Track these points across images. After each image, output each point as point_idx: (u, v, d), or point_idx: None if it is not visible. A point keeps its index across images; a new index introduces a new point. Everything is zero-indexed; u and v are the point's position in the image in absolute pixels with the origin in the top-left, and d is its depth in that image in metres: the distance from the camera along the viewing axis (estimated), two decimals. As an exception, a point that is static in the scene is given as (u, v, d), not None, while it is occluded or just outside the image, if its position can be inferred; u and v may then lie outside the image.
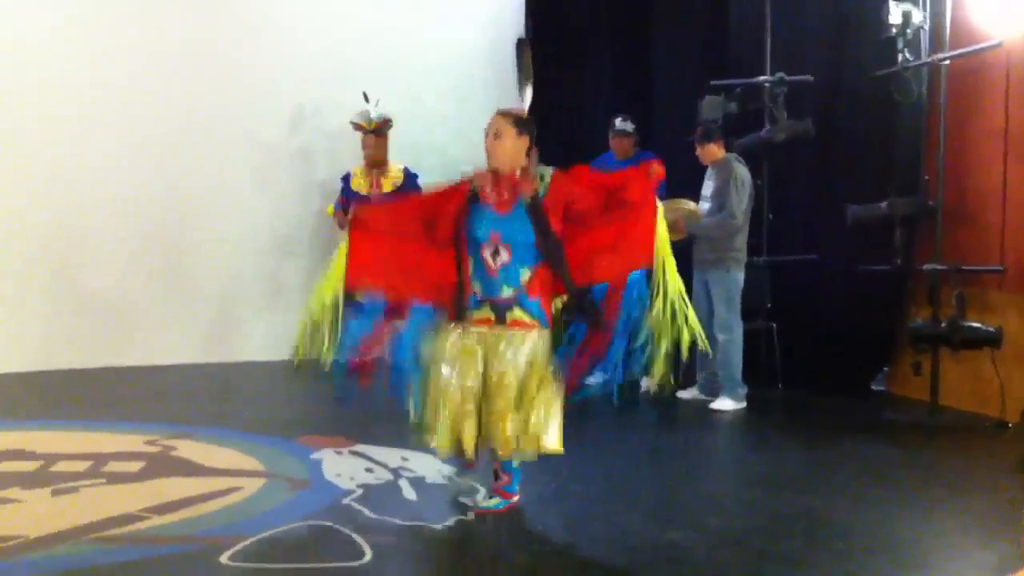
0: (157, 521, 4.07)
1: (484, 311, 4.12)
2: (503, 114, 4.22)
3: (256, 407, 7.14)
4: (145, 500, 4.35)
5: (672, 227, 6.97)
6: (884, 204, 6.94)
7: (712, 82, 7.86)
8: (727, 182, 6.93)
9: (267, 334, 9.08)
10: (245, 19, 9.15)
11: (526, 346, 4.08)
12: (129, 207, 8.66)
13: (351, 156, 8.56)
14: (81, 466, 4.99)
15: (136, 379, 8.10)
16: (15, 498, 4.41)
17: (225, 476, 4.85)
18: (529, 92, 4.38)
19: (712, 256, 6.97)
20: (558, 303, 4.29)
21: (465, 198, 4.18)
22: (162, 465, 5.08)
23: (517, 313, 4.10)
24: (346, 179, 8.35)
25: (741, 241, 7.01)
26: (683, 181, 7.47)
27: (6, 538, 3.77)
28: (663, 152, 7.84)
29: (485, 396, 4.08)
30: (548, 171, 4.21)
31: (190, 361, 8.72)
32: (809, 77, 7.62)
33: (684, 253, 7.16)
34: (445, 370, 4.10)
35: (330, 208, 8.44)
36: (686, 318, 4.23)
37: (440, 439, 4.10)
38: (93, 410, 6.79)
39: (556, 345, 4.22)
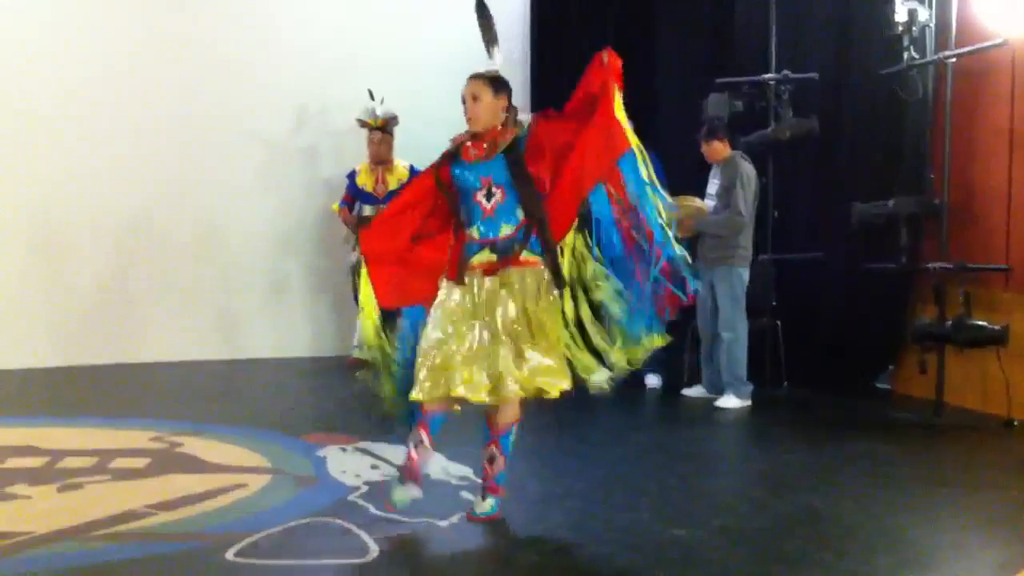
0: (163, 517, 4.09)
1: (484, 255, 4.07)
2: (477, 76, 4.18)
3: (261, 404, 7.16)
4: (151, 496, 4.37)
5: (678, 224, 7.02)
6: (890, 202, 6.93)
7: (717, 80, 7.85)
8: (733, 180, 6.92)
9: (272, 331, 9.13)
10: (250, 18, 9.17)
11: (530, 285, 4.05)
12: (134, 204, 8.71)
13: (356, 154, 8.58)
14: (87, 462, 5.01)
15: (142, 376, 8.13)
16: (22, 494, 4.43)
17: (231, 473, 4.86)
18: (498, 54, 4.31)
19: (717, 254, 6.97)
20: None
21: (447, 162, 4.17)
22: (168, 462, 5.10)
23: (521, 252, 4.06)
24: (351, 176, 8.37)
25: (746, 239, 7.01)
26: (688, 179, 7.47)
27: (13, 534, 3.79)
28: (667, 150, 7.86)
29: (493, 341, 3.98)
30: (527, 119, 4.24)
31: (195, 358, 8.75)
32: (814, 75, 7.61)
33: (689, 251, 7.18)
34: (437, 331, 4.02)
35: (335, 205, 8.46)
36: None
37: (428, 389, 3.95)
38: (99, 407, 6.81)
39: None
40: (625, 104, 4.22)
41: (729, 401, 6.90)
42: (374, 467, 4.95)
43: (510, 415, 4.13)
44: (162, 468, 4.96)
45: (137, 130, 8.64)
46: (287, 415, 6.59)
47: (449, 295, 4.08)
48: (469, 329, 4.00)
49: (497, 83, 4.18)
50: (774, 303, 7.61)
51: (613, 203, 4.19)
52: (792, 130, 7.48)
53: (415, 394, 3.97)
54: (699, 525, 4.16)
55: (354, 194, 8.34)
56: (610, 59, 4.17)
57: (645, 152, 4.22)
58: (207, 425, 5.99)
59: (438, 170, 4.21)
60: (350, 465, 4.99)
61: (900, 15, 6.86)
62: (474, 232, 4.10)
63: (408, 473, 4.01)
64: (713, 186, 7.13)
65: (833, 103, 7.71)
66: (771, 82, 7.72)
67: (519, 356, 3.99)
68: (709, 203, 7.08)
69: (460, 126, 4.25)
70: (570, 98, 4.31)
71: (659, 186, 4.19)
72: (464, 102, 4.14)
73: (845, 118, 7.71)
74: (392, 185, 8.13)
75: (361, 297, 4.35)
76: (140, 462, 5.05)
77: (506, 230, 4.08)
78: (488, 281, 4.04)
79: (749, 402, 6.93)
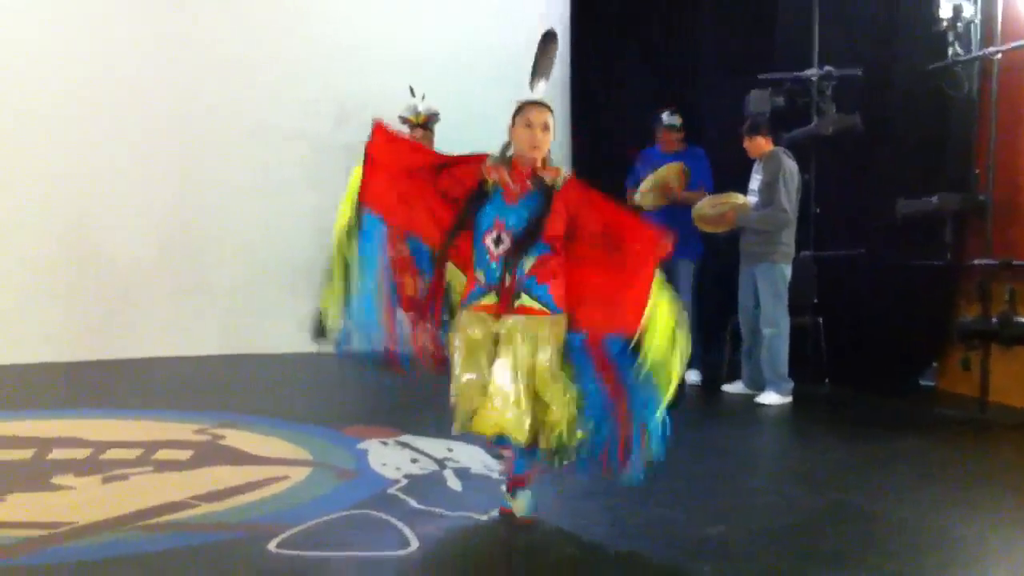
0: (206, 509, 4.12)
1: (490, 298, 3.94)
2: (545, 106, 4.05)
3: (302, 397, 7.22)
4: (194, 488, 4.40)
5: (721, 219, 7.03)
6: (934, 199, 6.87)
7: (759, 76, 7.81)
8: (775, 176, 6.89)
9: (300, 324, 9.15)
10: (295, 11, 9.21)
11: (542, 332, 3.91)
12: (166, 199, 8.82)
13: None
14: (131, 454, 5.06)
15: (185, 369, 8.22)
16: (67, 485, 4.48)
17: (273, 465, 4.90)
18: (543, 87, 4.15)
19: (759, 249, 6.94)
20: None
21: (476, 186, 4.03)
22: (211, 454, 5.15)
23: (525, 300, 3.92)
24: None
25: (788, 235, 6.97)
26: (730, 175, 7.45)
27: (58, 524, 3.83)
28: (709, 146, 7.85)
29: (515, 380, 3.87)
30: (564, 170, 4.11)
31: (237, 352, 8.82)
32: (858, 70, 7.56)
33: (731, 246, 7.17)
34: (466, 370, 3.93)
35: None
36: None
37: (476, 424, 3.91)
38: (143, 399, 6.88)
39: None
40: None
41: (770, 398, 6.87)
42: (414, 460, 4.96)
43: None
44: (205, 460, 5.00)
45: (167, 126, 8.75)
46: (327, 408, 6.63)
47: (470, 329, 3.95)
48: (491, 366, 3.90)
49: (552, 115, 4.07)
50: (816, 300, 7.57)
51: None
52: (835, 126, 7.43)
53: (466, 426, 3.92)
54: (739, 522, 4.15)
55: None
56: (666, 247, 3.95)
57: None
58: (249, 417, 6.04)
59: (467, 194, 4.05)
60: (391, 458, 5.01)
61: (945, 10, 6.81)
62: (479, 275, 3.97)
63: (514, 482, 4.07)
64: (755, 182, 7.10)
65: (877, 99, 7.65)
66: (814, 78, 7.67)
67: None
68: (751, 199, 7.05)
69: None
70: (605, 206, 4.08)
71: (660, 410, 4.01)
72: (529, 127, 4.00)
73: (889, 114, 7.64)
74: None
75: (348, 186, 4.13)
76: (184, 454, 5.10)
77: (509, 280, 3.92)
78: (499, 322, 3.93)
79: (790, 399, 6.89)
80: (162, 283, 8.78)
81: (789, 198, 6.90)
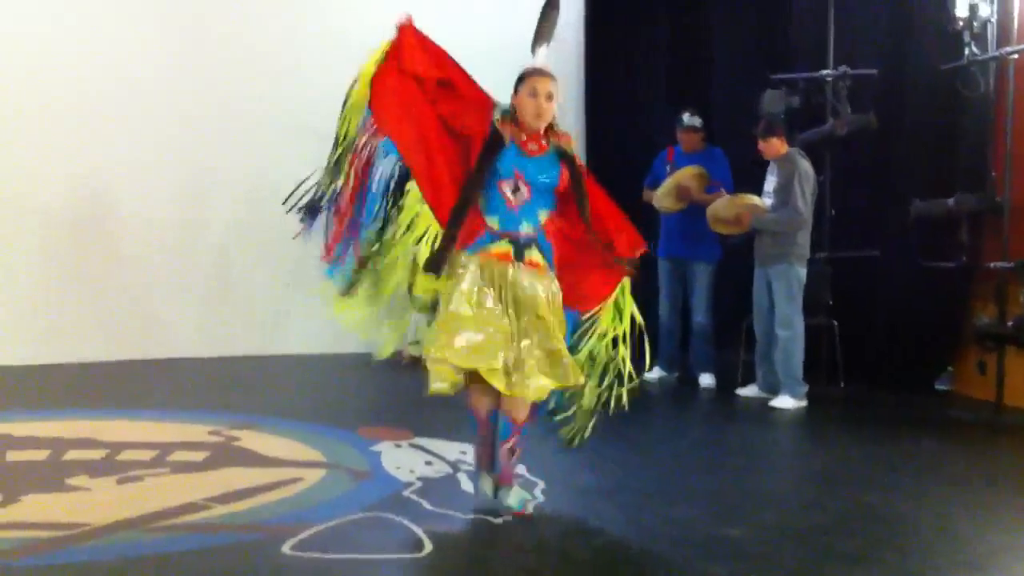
0: (220, 510, 4.12)
1: (502, 245, 4.01)
2: (548, 76, 4.12)
3: (316, 399, 7.22)
4: (209, 489, 4.41)
5: (735, 221, 7.01)
6: (950, 200, 6.85)
7: (773, 76, 7.79)
8: (790, 177, 6.86)
9: (326, 326, 9.17)
10: (321, 16, 9.27)
11: (549, 285, 4.04)
12: (185, 200, 8.81)
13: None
14: (146, 455, 5.07)
15: (199, 370, 8.23)
16: (82, 486, 4.49)
17: (287, 466, 4.90)
18: (543, 51, 4.29)
19: (774, 251, 6.91)
20: None
21: (490, 135, 4.07)
22: (225, 455, 5.15)
23: (534, 253, 4.02)
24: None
25: (804, 237, 6.94)
26: (744, 176, 7.44)
27: (73, 525, 3.84)
28: (723, 146, 7.83)
29: (520, 330, 3.98)
30: (573, 139, 4.25)
31: (252, 353, 8.84)
32: (873, 71, 7.52)
33: (745, 248, 7.15)
34: (464, 302, 3.95)
35: None
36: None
37: (444, 372, 3.95)
38: (157, 401, 6.90)
39: None
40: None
41: (784, 401, 6.84)
42: (428, 463, 4.97)
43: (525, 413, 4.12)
44: (220, 461, 5.01)
45: (184, 124, 8.70)
46: (341, 410, 6.63)
47: (469, 272, 3.99)
48: (495, 313, 3.95)
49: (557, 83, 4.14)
50: (831, 302, 7.54)
51: None
52: (850, 127, 7.39)
53: (447, 356, 3.90)
54: (754, 523, 4.14)
55: None
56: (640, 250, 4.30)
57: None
58: (263, 419, 6.05)
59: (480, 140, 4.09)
60: (404, 460, 5.01)
61: (961, 10, 6.78)
62: (492, 222, 4.02)
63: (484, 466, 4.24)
64: (770, 183, 7.07)
65: (892, 99, 7.62)
66: (828, 78, 7.64)
67: (546, 353, 3.99)
68: (766, 200, 7.02)
69: None
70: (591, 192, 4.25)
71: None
72: (534, 96, 4.05)
73: (904, 114, 7.62)
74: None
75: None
76: (199, 455, 5.11)
77: (526, 228, 4.03)
78: (510, 270, 3.99)
79: (805, 402, 6.86)
80: (179, 284, 8.78)
81: (804, 199, 6.87)
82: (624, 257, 4.25)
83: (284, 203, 4.42)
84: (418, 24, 4.29)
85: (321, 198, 4.33)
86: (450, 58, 4.22)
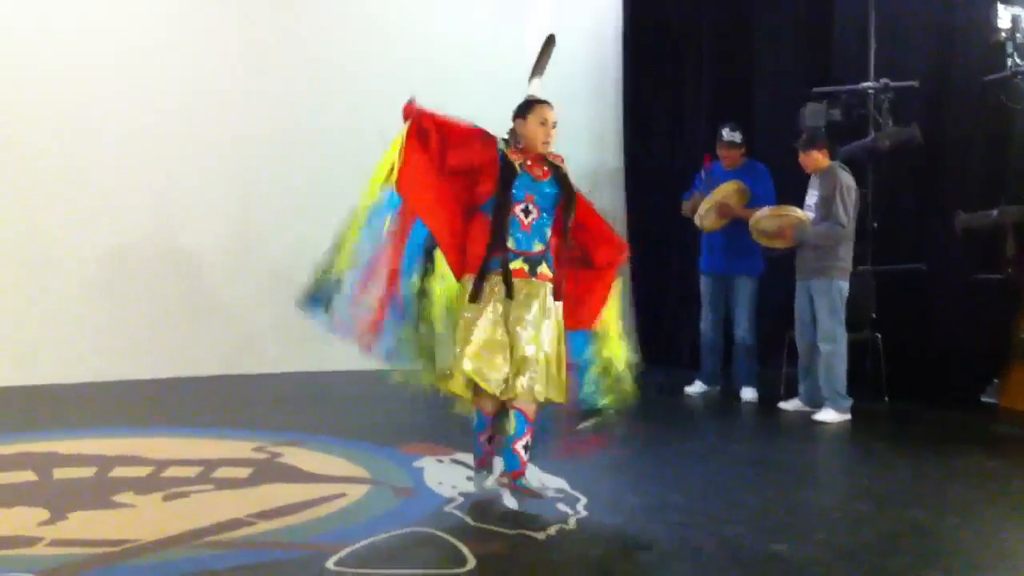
0: (265, 526, 4.14)
1: (517, 263, 4.37)
2: (550, 105, 4.50)
3: (359, 415, 7.23)
4: (253, 506, 4.43)
5: (779, 235, 6.99)
6: (995, 211, 6.78)
7: (814, 89, 7.75)
8: (832, 190, 6.81)
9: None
10: (381, 32, 9.42)
11: (548, 296, 4.42)
12: (229, 217, 8.90)
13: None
14: (191, 472, 5.11)
15: (242, 387, 8.28)
16: (129, 503, 4.52)
17: (330, 483, 4.91)
18: (537, 84, 4.62)
19: (816, 265, 6.87)
20: None
21: (497, 163, 4.42)
22: (269, 471, 5.18)
23: (543, 267, 4.42)
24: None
25: (846, 250, 6.89)
26: (784, 189, 7.40)
27: (120, 542, 3.87)
28: (763, 159, 7.80)
29: (519, 339, 4.31)
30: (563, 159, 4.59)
31: (295, 369, 8.89)
32: (915, 83, 7.47)
33: (787, 262, 7.11)
34: (476, 314, 4.31)
35: None
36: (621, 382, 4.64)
37: (456, 380, 4.31)
38: (202, 417, 6.95)
39: None
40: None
41: (828, 415, 6.79)
42: (470, 479, 4.95)
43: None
44: (264, 478, 5.03)
45: (233, 141, 8.86)
46: (382, 426, 6.64)
47: (479, 293, 4.33)
48: (502, 328, 4.32)
49: None
50: (874, 315, 7.48)
51: None
52: (893, 139, 7.34)
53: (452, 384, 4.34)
54: (800, 539, 4.09)
55: None
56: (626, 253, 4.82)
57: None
58: (306, 435, 6.08)
59: (492, 170, 4.42)
60: (446, 476, 5.02)
61: (1003, 21, 6.73)
62: (509, 243, 4.37)
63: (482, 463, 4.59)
64: (812, 197, 7.02)
65: (934, 111, 7.57)
66: (870, 91, 7.59)
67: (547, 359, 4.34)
68: (808, 214, 6.98)
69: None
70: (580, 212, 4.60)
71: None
72: (543, 124, 4.45)
73: (947, 126, 7.56)
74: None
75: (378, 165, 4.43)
76: (243, 472, 5.13)
77: (537, 246, 4.41)
78: (522, 284, 4.36)
79: (848, 416, 6.80)
80: (225, 302, 8.86)
81: (847, 213, 6.82)
82: (604, 267, 4.69)
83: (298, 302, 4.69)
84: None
85: (335, 283, 4.52)
86: (450, 118, 4.48)
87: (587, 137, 9.82)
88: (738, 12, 9.43)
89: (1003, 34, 6.77)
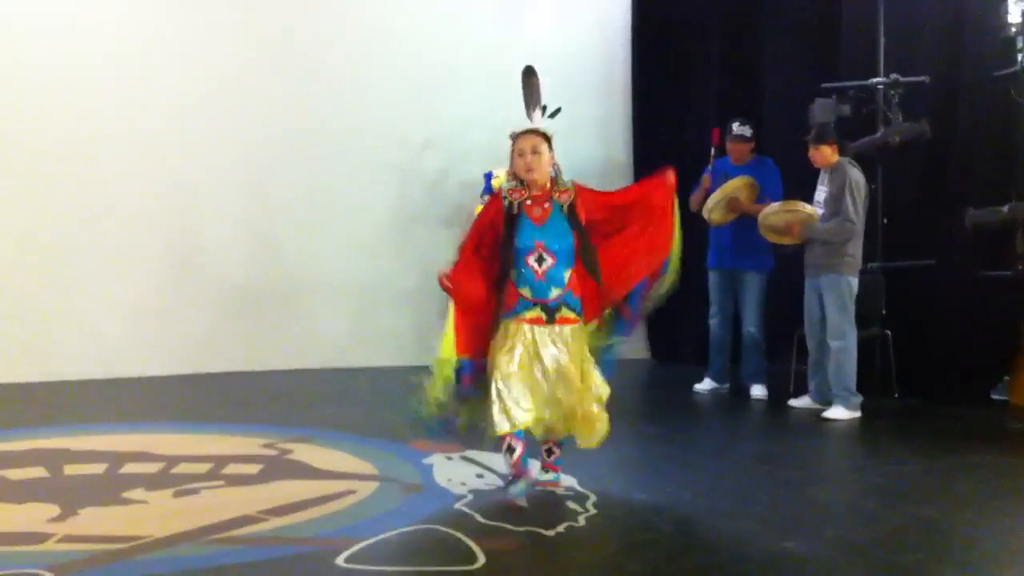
0: (275, 523, 4.15)
1: (535, 311, 4.44)
2: (534, 132, 4.52)
3: (366, 412, 7.24)
4: (264, 502, 4.44)
5: (787, 231, 6.96)
6: (1005, 207, 6.76)
7: (824, 85, 7.73)
8: (842, 186, 6.79)
9: (379, 341, 9.25)
10: (393, 41, 9.47)
11: (573, 338, 4.47)
12: (249, 219, 8.93)
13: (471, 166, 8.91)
14: (202, 468, 5.13)
15: (252, 384, 8.29)
16: (140, 499, 4.54)
17: (340, 479, 4.93)
18: (539, 115, 4.59)
19: (825, 261, 6.85)
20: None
21: (502, 213, 4.52)
22: (279, 468, 5.19)
23: (564, 311, 4.46)
24: (488, 177, 8.50)
25: (855, 246, 6.87)
26: (792, 185, 7.38)
27: (131, 538, 3.88)
28: (772, 155, 7.77)
29: (548, 383, 4.41)
30: (570, 182, 4.58)
31: (306, 367, 8.91)
32: (925, 78, 7.44)
33: (796, 259, 7.09)
34: (507, 359, 4.38)
35: (478, 208, 8.56)
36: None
37: (517, 416, 4.34)
38: (213, 414, 6.96)
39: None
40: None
41: (838, 412, 6.77)
42: (479, 476, 4.97)
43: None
44: (274, 474, 5.05)
45: (268, 143, 8.94)
46: (392, 423, 6.64)
47: (507, 338, 4.44)
48: (529, 372, 4.41)
49: (548, 139, 4.53)
50: (884, 312, 7.46)
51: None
52: (902, 135, 7.32)
53: (506, 426, 4.34)
54: (810, 536, 4.08)
55: (488, 193, 8.43)
56: (673, 179, 4.68)
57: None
58: (316, 432, 6.10)
59: (499, 216, 4.54)
60: (456, 473, 5.02)
61: (1014, 16, 6.71)
62: (525, 291, 4.45)
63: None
64: (821, 193, 7.00)
65: (944, 107, 7.54)
66: (880, 86, 7.57)
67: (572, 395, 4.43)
68: (817, 210, 6.96)
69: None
70: (617, 193, 4.86)
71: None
72: (521, 155, 4.49)
73: (957, 122, 7.53)
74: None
75: (442, 346, 4.58)
76: (253, 468, 5.15)
77: (555, 292, 4.44)
78: (538, 332, 4.43)
79: (858, 413, 6.78)
80: (239, 299, 8.88)
81: (856, 209, 6.80)
82: (664, 204, 4.65)
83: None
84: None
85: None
86: (475, 232, 4.65)
87: (595, 132, 9.81)
88: (747, 6, 9.40)
89: (1013, 29, 6.75)
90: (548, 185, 4.52)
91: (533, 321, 4.42)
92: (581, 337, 4.52)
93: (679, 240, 4.66)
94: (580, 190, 4.57)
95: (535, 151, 4.47)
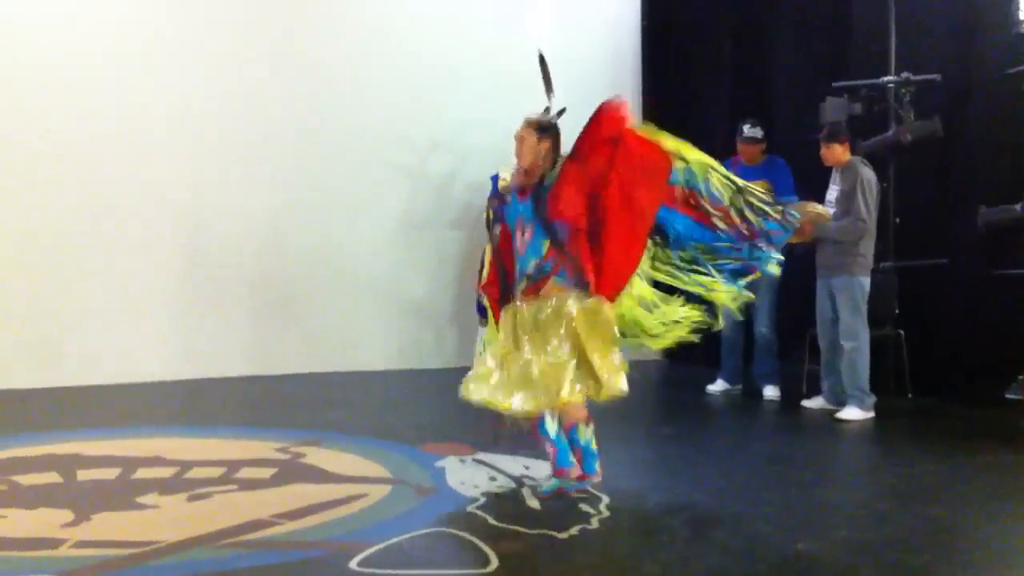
0: (288, 526, 4.16)
1: (523, 284, 4.61)
2: (526, 122, 4.69)
3: (381, 415, 7.25)
4: (277, 506, 4.45)
5: (798, 230, 6.92)
6: (1018, 206, 6.73)
7: (834, 83, 7.71)
8: (853, 185, 6.77)
9: (390, 344, 9.26)
10: (395, 40, 9.50)
11: (564, 307, 4.47)
12: (261, 220, 8.94)
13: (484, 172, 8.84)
14: (215, 473, 5.14)
15: (265, 388, 8.31)
16: (153, 504, 4.55)
17: (353, 483, 4.93)
18: (555, 100, 4.76)
19: (837, 261, 6.83)
20: None
21: (500, 201, 4.82)
22: (293, 472, 5.20)
23: (552, 281, 4.53)
24: (494, 180, 8.50)
25: (867, 246, 6.85)
26: (803, 184, 7.36)
27: (145, 543, 3.89)
28: (783, 154, 7.76)
29: (534, 354, 4.49)
30: (561, 160, 4.67)
31: (317, 370, 8.92)
32: (936, 76, 7.42)
33: (808, 258, 7.07)
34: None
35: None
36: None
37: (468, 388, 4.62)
38: (226, 418, 6.98)
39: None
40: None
41: (851, 413, 6.75)
42: (492, 478, 4.97)
43: (572, 415, 4.61)
44: (287, 478, 5.05)
45: (268, 143, 8.96)
46: (404, 426, 6.65)
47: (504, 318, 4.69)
48: (518, 348, 4.55)
49: (543, 128, 4.67)
50: (897, 312, 7.43)
51: (688, 212, 4.67)
52: (914, 133, 7.29)
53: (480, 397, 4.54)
54: (823, 537, 4.07)
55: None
56: (618, 106, 4.65)
57: (705, 159, 4.76)
58: (329, 435, 6.10)
59: (491, 204, 4.89)
60: (468, 476, 5.02)
61: (1024, 13, 6.67)
62: (517, 266, 4.66)
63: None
64: (832, 192, 6.99)
65: (956, 105, 7.52)
66: (891, 84, 7.55)
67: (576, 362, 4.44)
68: (829, 209, 6.94)
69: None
70: (580, 146, 4.64)
71: (733, 181, 4.70)
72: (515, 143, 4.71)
73: (969, 120, 7.50)
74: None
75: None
76: (266, 472, 5.16)
77: (532, 262, 4.58)
78: (526, 306, 4.57)
79: (872, 414, 6.76)
80: (245, 301, 8.90)
81: (868, 208, 6.78)
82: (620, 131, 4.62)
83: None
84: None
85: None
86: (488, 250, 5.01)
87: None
88: (756, 6, 9.39)
89: None
90: (535, 172, 4.65)
91: (524, 293, 4.59)
92: (587, 310, 4.48)
93: (677, 145, 4.75)
94: (567, 163, 4.61)
95: (520, 139, 4.66)
